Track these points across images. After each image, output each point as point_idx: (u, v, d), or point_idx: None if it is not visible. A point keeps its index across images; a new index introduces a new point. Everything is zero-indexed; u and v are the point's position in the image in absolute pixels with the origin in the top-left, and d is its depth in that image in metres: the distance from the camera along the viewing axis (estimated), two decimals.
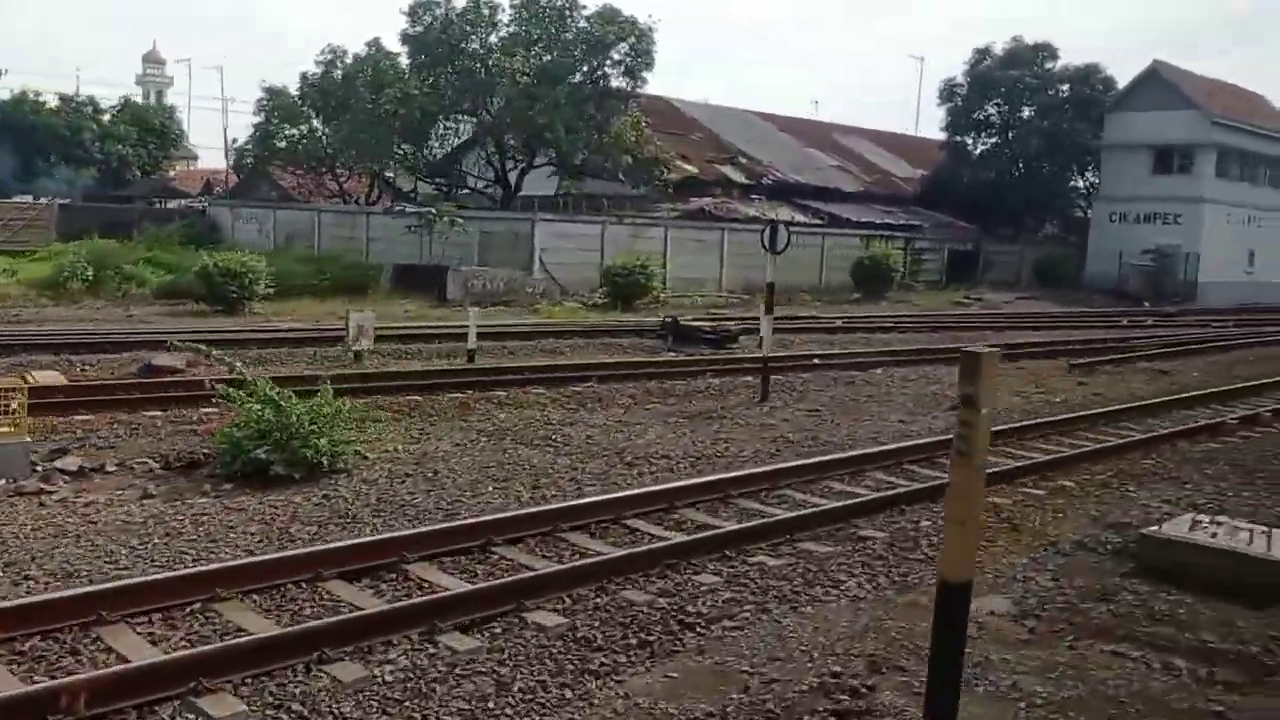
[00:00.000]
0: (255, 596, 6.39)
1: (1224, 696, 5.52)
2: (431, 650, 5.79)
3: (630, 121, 33.17)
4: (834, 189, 45.01)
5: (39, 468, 9.31)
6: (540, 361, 17.94)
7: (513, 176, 37.87)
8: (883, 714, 5.13)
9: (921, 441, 11.96)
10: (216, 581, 6.29)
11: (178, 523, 8.07)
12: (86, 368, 15.34)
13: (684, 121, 45.24)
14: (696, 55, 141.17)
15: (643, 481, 9.94)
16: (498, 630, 6.15)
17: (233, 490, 9.10)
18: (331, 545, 7.14)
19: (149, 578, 6.40)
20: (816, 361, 19.22)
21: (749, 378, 17.35)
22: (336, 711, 5.12)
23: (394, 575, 6.91)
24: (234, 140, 46.09)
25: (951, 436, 4.01)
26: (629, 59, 33.72)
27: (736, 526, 8.21)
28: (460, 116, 34.63)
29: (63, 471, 9.29)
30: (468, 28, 33.40)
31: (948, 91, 48.80)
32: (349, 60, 35.31)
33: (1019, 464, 10.90)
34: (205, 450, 10.27)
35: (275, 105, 38.65)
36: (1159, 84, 45.72)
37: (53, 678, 5.12)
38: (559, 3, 33.37)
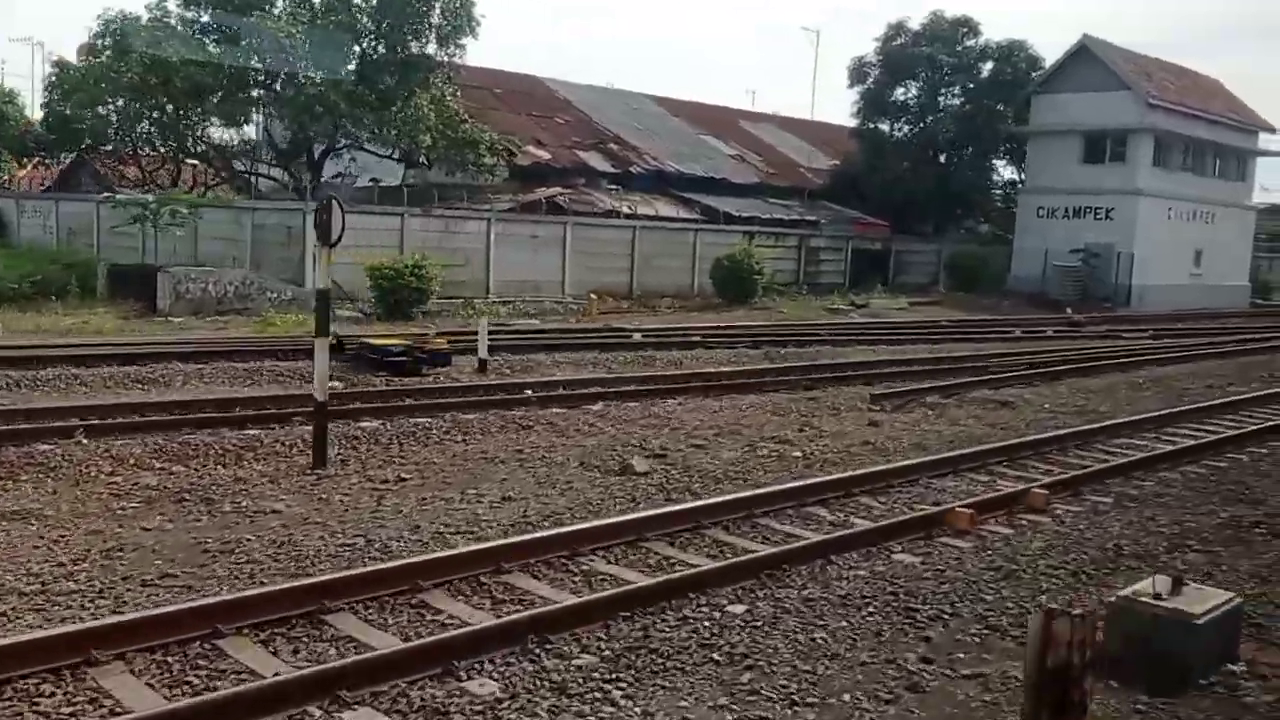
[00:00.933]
0: None
1: None
2: None
3: (431, 97, 27.86)
4: (722, 180, 39.91)
5: None
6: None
7: (340, 165, 32.78)
8: None
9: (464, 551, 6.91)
10: None
11: None
12: None
13: (554, 103, 40.12)
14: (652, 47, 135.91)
15: None
16: None
17: None
18: None
19: None
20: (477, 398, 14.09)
21: (372, 422, 12.31)
22: None
23: None
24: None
25: None
26: (444, 25, 28.56)
27: None
28: (247, 93, 29.40)
29: None
30: None
31: (858, 72, 43.64)
32: (124, 28, 30.04)
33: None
34: None
35: (62, 81, 33.40)
36: (1089, 62, 40.62)
37: None
38: None
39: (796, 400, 15.70)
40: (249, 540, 7.82)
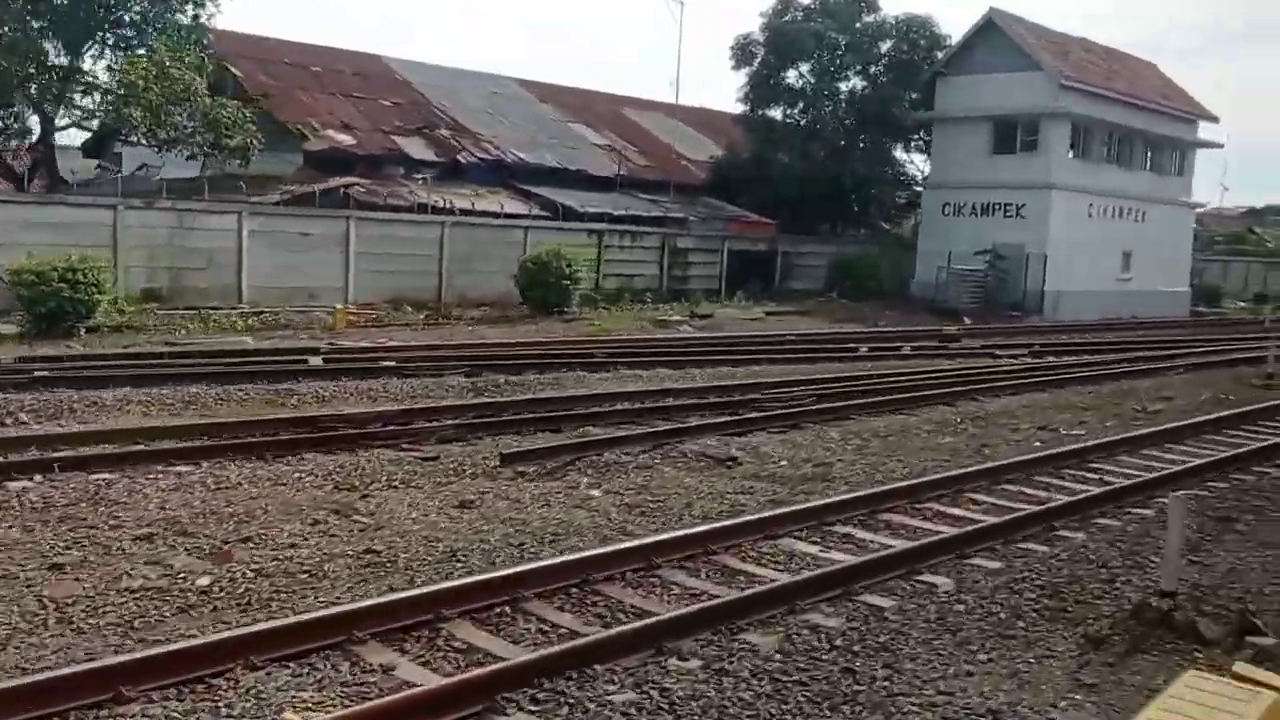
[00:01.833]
0: None
1: None
2: None
3: (144, 64, 22.65)
4: (578, 172, 34.95)
5: None
6: None
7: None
8: None
9: None
10: None
11: None
12: None
13: (390, 84, 35.08)
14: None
15: None
16: None
17: None
18: None
19: None
20: None
21: None
22: None
23: None
24: None
25: None
26: None
27: None
28: None
29: None
30: None
31: (743, 51, 38.68)
32: None
33: None
34: None
35: None
36: (998, 39, 35.81)
37: None
38: None
39: (397, 463, 10.71)
40: None
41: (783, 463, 11.55)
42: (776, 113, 39.32)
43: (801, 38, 37.12)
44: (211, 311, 22.94)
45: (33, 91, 22.63)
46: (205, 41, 25.08)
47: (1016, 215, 35.61)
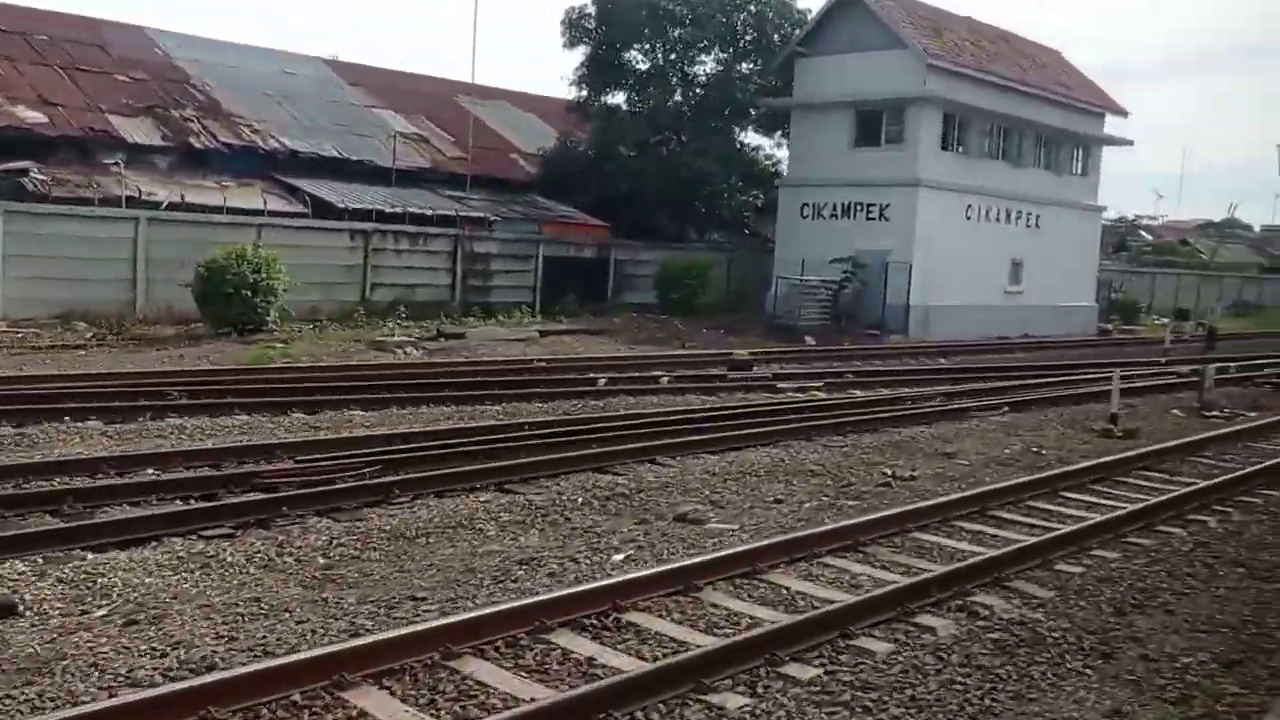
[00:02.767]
0: None
1: None
2: None
3: None
4: (365, 163, 29.59)
5: None
6: None
7: None
8: None
9: None
10: None
11: None
12: None
13: (141, 60, 29.52)
14: None
15: None
16: None
17: None
18: None
19: None
20: None
21: None
22: None
23: None
24: None
25: None
26: None
27: None
28: None
29: None
30: None
31: (575, 27, 33.49)
32: None
33: None
34: None
35: None
36: (859, 14, 30.82)
37: None
38: None
39: None
40: None
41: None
42: (620, 99, 34.18)
43: (636, 11, 31.96)
44: None
45: None
46: None
47: (880, 218, 30.58)
